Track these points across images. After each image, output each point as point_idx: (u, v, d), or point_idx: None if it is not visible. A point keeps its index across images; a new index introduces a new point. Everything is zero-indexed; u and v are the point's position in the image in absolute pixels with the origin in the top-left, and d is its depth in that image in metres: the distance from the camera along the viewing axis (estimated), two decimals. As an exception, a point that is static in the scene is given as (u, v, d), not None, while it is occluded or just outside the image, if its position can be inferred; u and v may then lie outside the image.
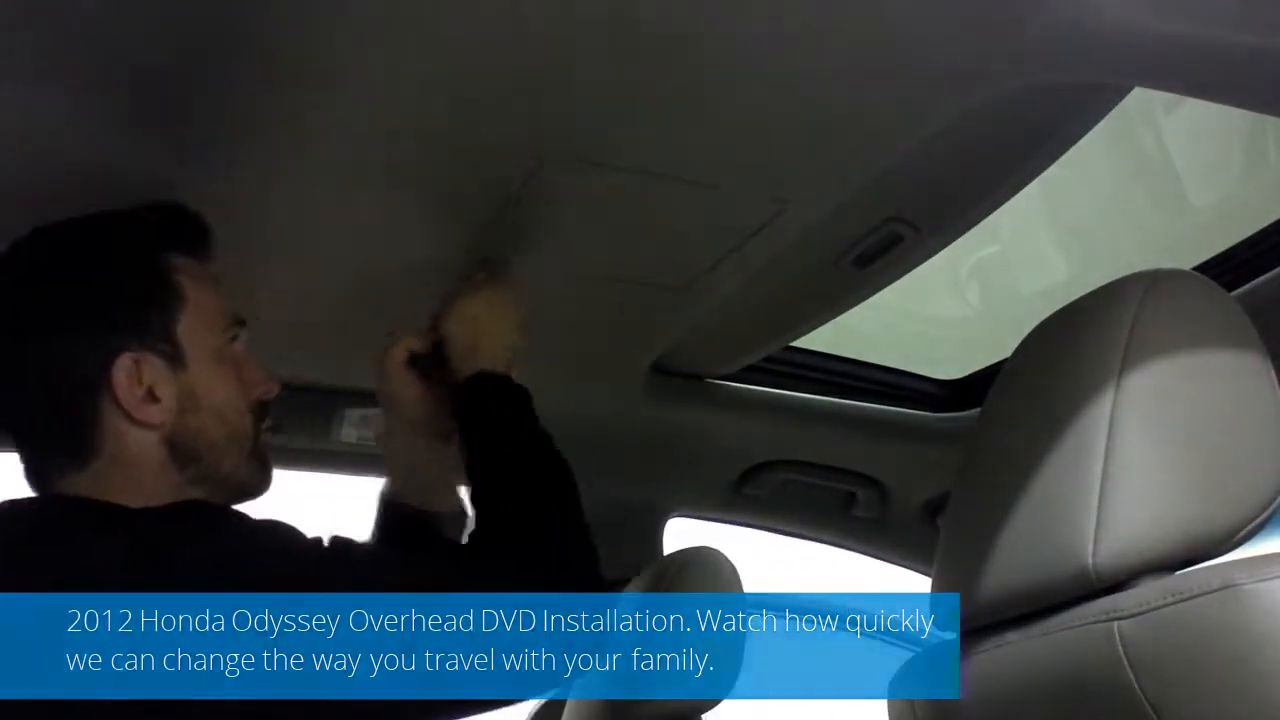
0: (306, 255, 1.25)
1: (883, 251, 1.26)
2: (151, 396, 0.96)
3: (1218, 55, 0.81)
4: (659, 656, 1.33)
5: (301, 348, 1.37)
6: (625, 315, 1.41)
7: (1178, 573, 0.74)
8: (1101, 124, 1.08)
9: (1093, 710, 0.76)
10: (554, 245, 1.23)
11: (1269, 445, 0.77)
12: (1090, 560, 0.76)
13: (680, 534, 1.87)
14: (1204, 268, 1.31)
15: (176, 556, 0.85)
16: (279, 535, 0.91)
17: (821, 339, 1.60)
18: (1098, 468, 0.77)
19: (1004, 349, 1.02)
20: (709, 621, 1.37)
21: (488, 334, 1.13)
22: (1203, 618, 0.69)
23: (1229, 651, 0.67)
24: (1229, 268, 1.28)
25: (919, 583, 1.92)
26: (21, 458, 0.99)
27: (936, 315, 1.82)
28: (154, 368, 0.96)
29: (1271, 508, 0.76)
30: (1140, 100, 1.08)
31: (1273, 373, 0.79)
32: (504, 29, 0.88)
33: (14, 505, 0.95)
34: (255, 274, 1.27)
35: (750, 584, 1.49)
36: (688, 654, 1.35)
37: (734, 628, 1.40)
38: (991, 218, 1.22)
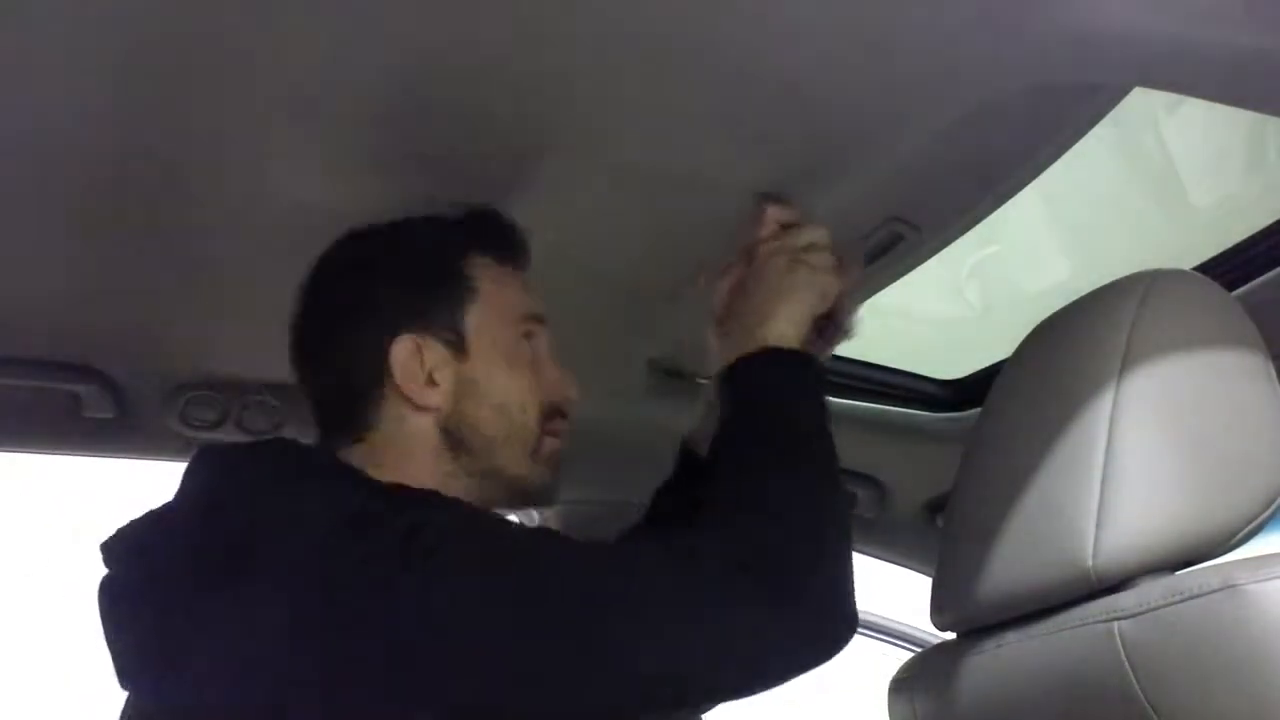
0: (313, 253, 1.25)
1: (883, 251, 1.26)
2: (431, 380, 0.98)
3: (1218, 55, 0.81)
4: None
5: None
6: (625, 315, 1.41)
7: (1178, 573, 0.75)
8: (1101, 124, 1.07)
9: (1093, 710, 0.76)
10: (553, 245, 1.23)
11: (1269, 445, 0.77)
12: (1090, 560, 0.76)
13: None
14: (1204, 268, 1.31)
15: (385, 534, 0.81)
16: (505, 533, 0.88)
17: (821, 339, 1.59)
18: (1098, 468, 0.77)
19: (1004, 349, 1.02)
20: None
21: (794, 299, 1.01)
22: (1203, 618, 0.69)
23: (1229, 651, 0.67)
24: (1229, 268, 1.28)
25: (919, 583, 1.92)
26: (319, 433, 1.03)
27: (936, 315, 1.82)
28: (435, 353, 0.98)
29: (1272, 508, 0.76)
30: (1140, 100, 1.07)
31: (1273, 373, 0.79)
32: (504, 29, 0.88)
33: (291, 446, 0.97)
34: (258, 270, 1.27)
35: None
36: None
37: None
38: (991, 218, 1.22)
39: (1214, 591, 0.68)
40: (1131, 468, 0.76)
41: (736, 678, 0.85)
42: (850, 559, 0.89)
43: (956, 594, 0.92)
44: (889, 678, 1.06)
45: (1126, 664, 0.72)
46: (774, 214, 1.07)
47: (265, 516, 0.84)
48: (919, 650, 1.16)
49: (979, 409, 1.02)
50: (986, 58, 0.90)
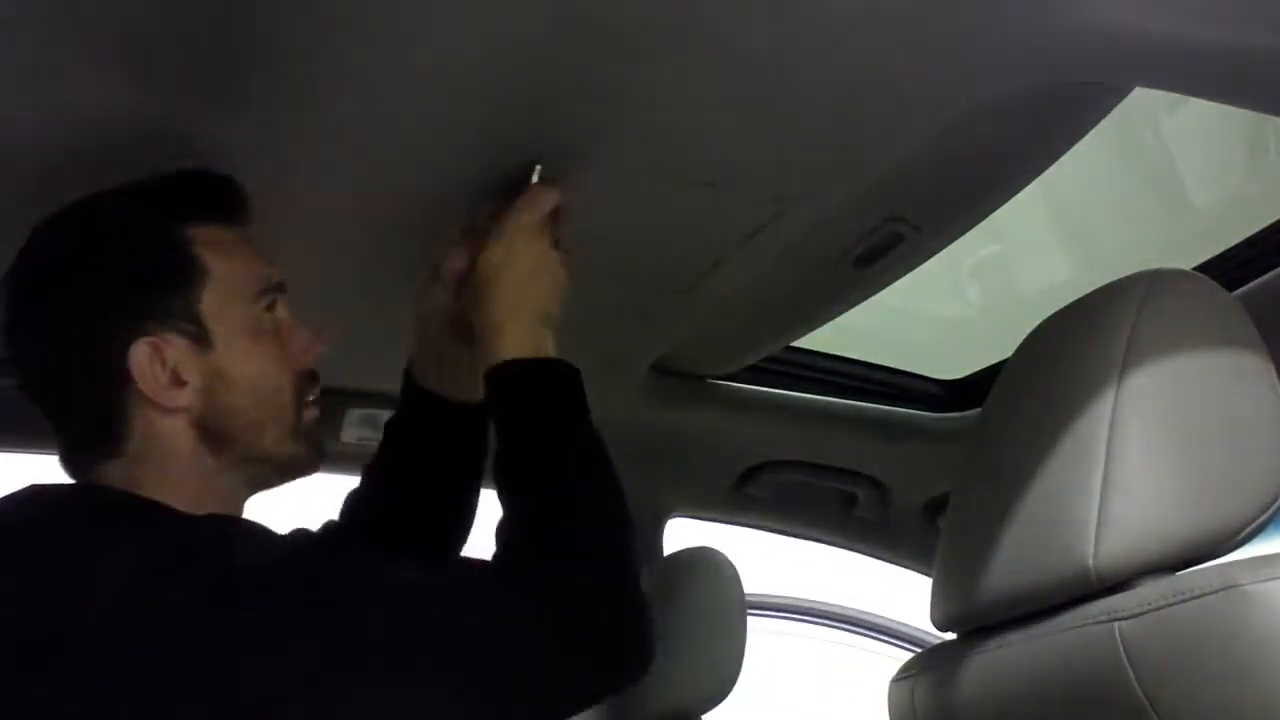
0: (307, 256, 1.25)
1: (883, 251, 1.26)
2: (176, 380, 0.91)
3: (1218, 55, 0.81)
4: (658, 657, 1.33)
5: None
6: (625, 315, 1.41)
7: (1178, 573, 0.74)
8: (1101, 124, 1.07)
9: (1093, 710, 0.76)
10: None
11: (1270, 445, 0.76)
12: (1091, 560, 0.76)
13: (681, 534, 1.87)
14: (1204, 268, 1.31)
15: (201, 570, 0.81)
16: (300, 555, 0.89)
17: (821, 339, 1.59)
18: (1098, 468, 0.77)
19: (1004, 349, 1.02)
20: (709, 622, 1.37)
21: (524, 300, 1.01)
22: (1203, 618, 0.69)
23: (1229, 652, 0.67)
24: (1229, 268, 1.28)
25: (919, 583, 1.92)
26: (57, 443, 0.95)
27: (936, 315, 1.82)
28: (176, 349, 0.92)
29: (1272, 508, 0.76)
30: (1140, 100, 1.08)
31: (1273, 373, 0.79)
32: (504, 28, 0.88)
33: (44, 491, 0.91)
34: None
35: (750, 584, 1.49)
36: (688, 654, 1.35)
37: (734, 628, 1.40)
38: (992, 217, 1.22)
39: (1214, 592, 0.68)
40: (1132, 468, 0.76)
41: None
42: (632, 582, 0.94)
43: (956, 594, 0.92)
44: (889, 678, 1.06)
45: (1126, 664, 0.72)
46: (549, 196, 1.04)
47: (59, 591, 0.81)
48: (919, 650, 1.16)
49: (979, 409, 1.02)
50: (986, 58, 0.90)
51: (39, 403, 0.95)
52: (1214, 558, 0.75)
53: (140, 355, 0.90)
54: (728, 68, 0.92)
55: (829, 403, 1.69)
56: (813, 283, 1.34)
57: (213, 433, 0.93)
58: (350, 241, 1.22)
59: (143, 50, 0.91)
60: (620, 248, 1.26)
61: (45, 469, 0.99)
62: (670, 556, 1.50)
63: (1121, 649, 0.72)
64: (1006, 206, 1.20)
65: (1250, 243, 1.30)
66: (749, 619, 1.44)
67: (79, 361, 0.92)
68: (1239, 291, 1.23)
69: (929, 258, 1.29)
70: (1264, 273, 1.24)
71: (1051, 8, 0.81)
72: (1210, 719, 0.69)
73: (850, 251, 1.27)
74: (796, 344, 1.58)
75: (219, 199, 0.98)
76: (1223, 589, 0.68)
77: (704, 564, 1.40)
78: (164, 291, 0.93)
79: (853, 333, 1.60)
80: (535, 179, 1.05)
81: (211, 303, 0.94)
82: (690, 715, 1.37)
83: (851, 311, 1.41)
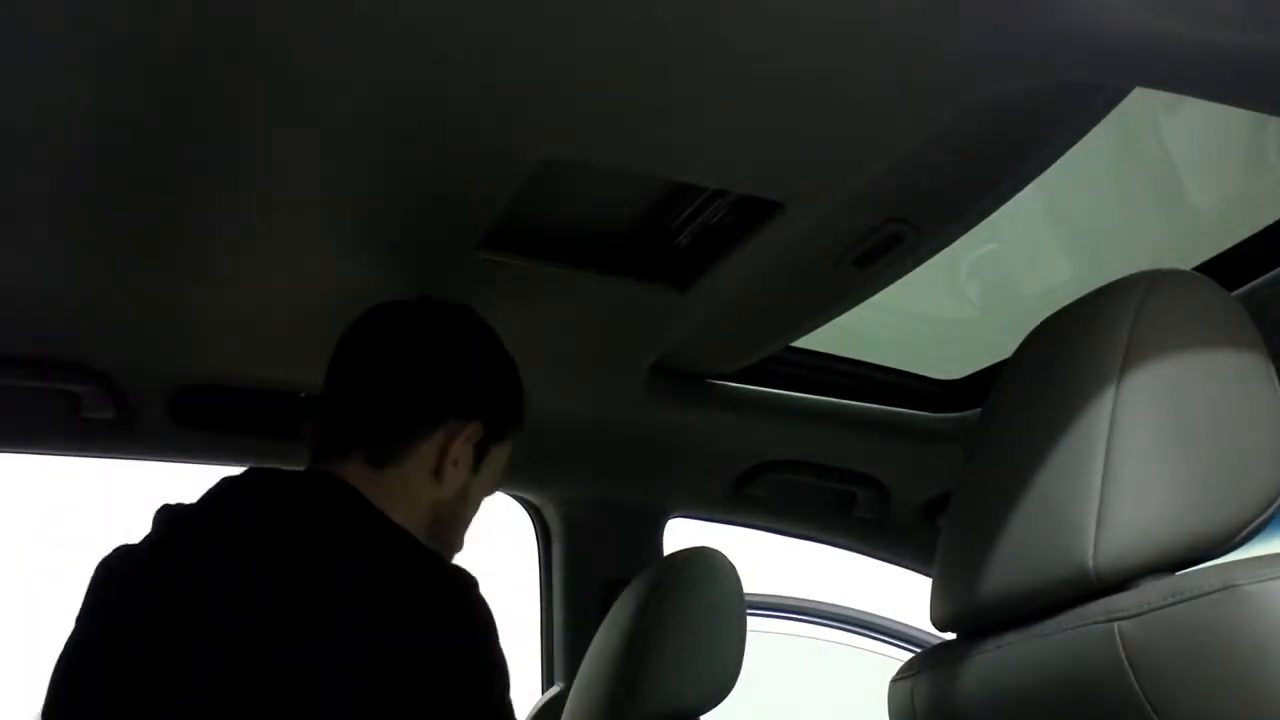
0: (309, 255, 1.25)
1: (883, 251, 1.26)
2: (454, 466, 1.13)
3: (1218, 55, 0.81)
4: (658, 657, 1.33)
5: (307, 349, 1.37)
6: (625, 315, 1.41)
7: (1178, 573, 0.74)
8: (1101, 124, 1.07)
9: (1093, 710, 0.76)
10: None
11: (1269, 445, 0.77)
12: (1091, 561, 0.76)
13: (681, 534, 1.88)
14: (1204, 268, 1.31)
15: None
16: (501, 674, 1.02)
17: (821, 339, 1.59)
18: (1098, 468, 0.77)
19: (1004, 349, 1.02)
20: (708, 622, 1.37)
21: None
22: (1203, 618, 0.69)
23: (1229, 652, 0.67)
24: (1229, 268, 1.28)
25: (919, 583, 1.92)
26: (326, 429, 1.13)
27: (936, 315, 1.82)
28: (467, 452, 1.15)
29: (1272, 508, 0.76)
30: (1140, 100, 1.08)
31: (1273, 373, 0.79)
32: (504, 28, 0.88)
33: (286, 478, 1.09)
34: (258, 272, 1.27)
35: (750, 584, 1.49)
36: (688, 654, 1.35)
37: (733, 628, 1.40)
38: (992, 217, 1.22)
39: (1214, 592, 0.68)
40: (1132, 468, 0.76)
41: None
42: None
43: (956, 594, 0.92)
44: (889, 678, 1.06)
45: (1126, 664, 0.72)
46: None
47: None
48: (919, 650, 1.16)
49: (979, 409, 1.02)
50: (987, 57, 0.90)
51: (357, 400, 1.14)
52: (1214, 558, 0.75)
53: (469, 428, 1.15)
54: (728, 68, 0.92)
55: (829, 403, 1.69)
56: (813, 283, 1.34)
57: (437, 522, 1.15)
58: (352, 245, 1.22)
59: (144, 52, 0.91)
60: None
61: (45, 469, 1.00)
62: (670, 556, 1.49)
63: (1121, 649, 0.72)
64: (1006, 206, 1.20)
65: (1250, 243, 1.30)
66: (749, 619, 1.43)
67: (427, 389, 1.15)
68: (1239, 291, 1.23)
69: (929, 258, 1.29)
70: (1264, 273, 1.24)
71: (1051, 8, 0.81)
72: (1210, 718, 0.69)
73: (850, 251, 1.27)
74: (796, 344, 1.58)
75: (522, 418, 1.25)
76: (1222, 589, 0.68)
77: (704, 564, 1.40)
78: (503, 415, 1.20)
79: (853, 333, 1.60)
80: None
81: (495, 455, 1.20)
82: (690, 715, 1.37)
83: (851, 311, 1.41)
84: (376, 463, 1.11)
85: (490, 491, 1.24)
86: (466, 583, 1.03)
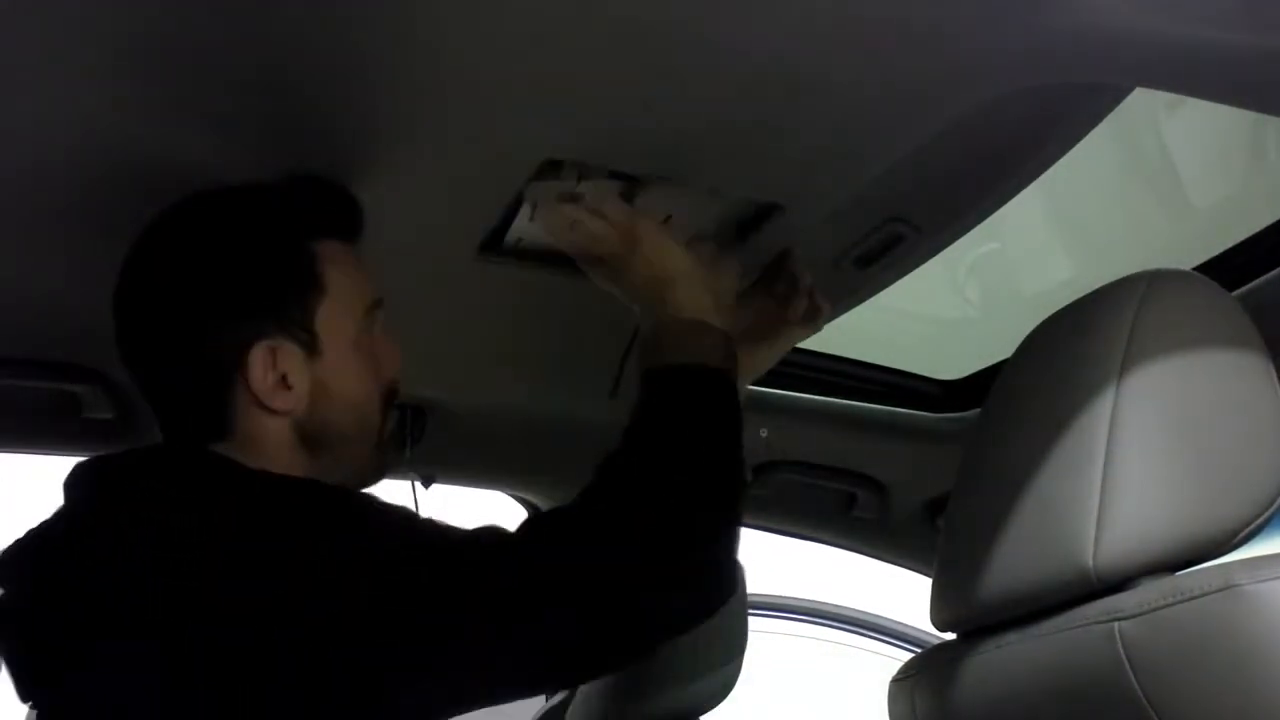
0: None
1: (883, 251, 1.26)
2: (284, 384, 0.96)
3: (1218, 55, 0.81)
4: (659, 657, 1.33)
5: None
6: (626, 316, 1.41)
7: (1178, 573, 0.75)
8: (1101, 124, 1.07)
9: (1093, 711, 0.76)
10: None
11: (1269, 445, 0.77)
12: (1091, 561, 0.76)
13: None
14: (1204, 268, 1.31)
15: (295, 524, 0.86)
16: (413, 528, 0.91)
17: (821, 339, 1.59)
18: (1098, 468, 0.77)
19: (1004, 349, 1.02)
20: (709, 622, 1.37)
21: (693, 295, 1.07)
22: (1203, 618, 0.69)
23: (1229, 652, 0.67)
24: (1229, 268, 1.28)
25: (919, 583, 1.92)
26: (160, 428, 1.01)
27: (936, 315, 1.82)
28: (289, 355, 0.96)
29: (1272, 508, 0.76)
30: (1140, 100, 1.08)
31: (1273, 373, 0.79)
32: (504, 28, 0.88)
33: (153, 453, 0.98)
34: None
35: (750, 584, 1.49)
36: (688, 654, 1.35)
37: (734, 628, 1.40)
38: (992, 218, 1.22)
39: (1214, 592, 0.68)
40: (1131, 468, 0.76)
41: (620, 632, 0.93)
42: (724, 527, 0.98)
43: (956, 594, 0.92)
44: (889, 678, 1.06)
45: (1126, 664, 0.72)
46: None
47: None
48: (919, 650, 1.16)
49: (979, 409, 1.02)
50: (986, 58, 0.90)
51: (146, 390, 1.00)
52: (1214, 558, 0.75)
53: (257, 357, 0.95)
54: (728, 68, 0.92)
55: (829, 403, 1.69)
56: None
57: (309, 438, 0.98)
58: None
59: (146, 57, 0.91)
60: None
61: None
62: (670, 556, 1.49)
63: (1121, 649, 0.72)
64: (1006, 206, 1.20)
65: (1250, 243, 1.30)
66: (749, 619, 1.44)
67: (193, 352, 0.96)
68: (1239, 291, 1.23)
69: (929, 258, 1.29)
70: (1264, 273, 1.24)
71: (1051, 8, 0.81)
72: (1210, 718, 0.69)
73: (850, 251, 1.27)
74: (797, 344, 1.57)
75: (341, 214, 1.03)
76: (1222, 589, 0.68)
77: (704, 564, 1.40)
78: (286, 301, 0.97)
79: (853, 333, 1.60)
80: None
81: (325, 316, 0.98)
82: (690, 715, 1.37)
83: (851, 311, 1.41)
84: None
85: (369, 333, 1.03)
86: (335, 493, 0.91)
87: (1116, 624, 0.73)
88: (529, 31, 0.88)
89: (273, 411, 0.96)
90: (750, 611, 1.43)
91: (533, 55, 0.91)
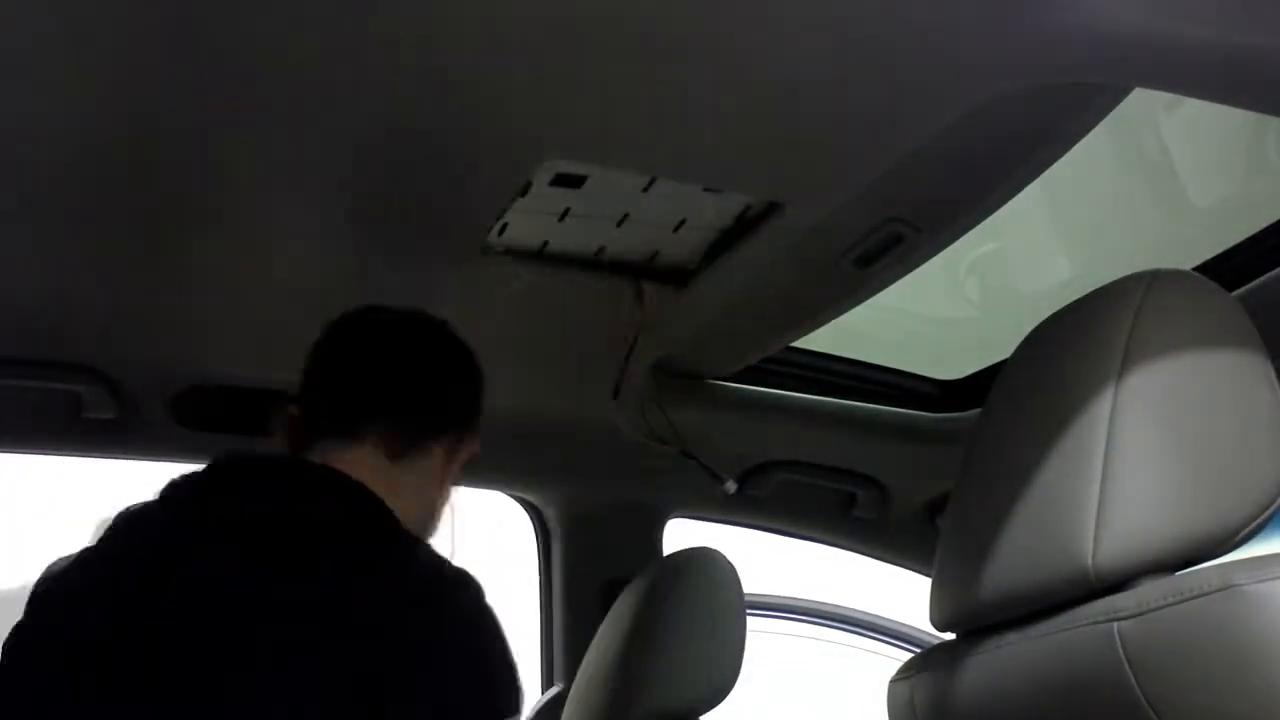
0: (309, 257, 1.25)
1: (883, 251, 1.26)
2: (455, 471, 1.20)
3: (1218, 55, 0.81)
4: (658, 657, 1.33)
5: (307, 349, 1.37)
6: (625, 315, 1.41)
7: (1178, 573, 0.74)
8: (1101, 124, 1.07)
9: (1093, 710, 0.76)
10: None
11: (1269, 445, 0.76)
12: (1090, 561, 0.76)
13: (681, 534, 1.87)
14: (1204, 268, 1.31)
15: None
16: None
17: (821, 339, 1.59)
18: (1098, 468, 0.77)
19: (1004, 349, 1.02)
20: (708, 622, 1.37)
21: None
22: (1203, 618, 0.69)
23: (1229, 652, 0.67)
24: (1229, 268, 1.28)
25: (919, 583, 1.92)
26: (341, 410, 1.13)
27: (936, 315, 1.82)
28: (460, 459, 1.20)
29: (1272, 508, 0.76)
30: (1140, 100, 1.08)
31: (1273, 373, 0.79)
32: (504, 29, 0.88)
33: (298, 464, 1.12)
34: (258, 272, 1.27)
35: (750, 584, 1.49)
36: (687, 654, 1.35)
37: (733, 628, 1.40)
38: (992, 218, 1.22)
39: (1214, 592, 0.68)
40: (1131, 468, 0.76)
41: None
42: None
43: (956, 594, 0.92)
44: (888, 678, 1.06)
45: (1126, 664, 0.72)
46: None
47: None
48: (919, 650, 1.16)
49: (979, 409, 1.02)
50: (986, 58, 0.90)
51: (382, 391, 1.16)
52: (1213, 558, 0.75)
53: (474, 443, 1.21)
54: (728, 69, 0.92)
55: (829, 403, 1.69)
56: (813, 283, 1.35)
57: (424, 515, 1.18)
58: (353, 247, 1.22)
59: (145, 54, 0.91)
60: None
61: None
62: (670, 556, 1.49)
63: (1121, 649, 0.72)
64: (1006, 206, 1.20)
65: (1250, 243, 1.30)
66: (749, 619, 1.43)
67: (454, 397, 1.20)
68: (1239, 291, 1.23)
69: (929, 258, 1.29)
70: (1264, 273, 1.24)
71: (1051, 8, 0.81)
72: (1210, 718, 0.69)
73: (850, 251, 1.27)
74: (796, 344, 1.58)
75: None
76: (1222, 589, 0.68)
77: (704, 564, 1.40)
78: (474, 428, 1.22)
79: (852, 333, 1.60)
80: None
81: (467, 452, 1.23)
82: (689, 715, 1.37)
83: (851, 311, 1.41)
84: (393, 455, 1.12)
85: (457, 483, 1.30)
86: (477, 588, 1.05)
87: (1116, 624, 0.73)
88: (529, 31, 0.88)
89: (437, 484, 1.19)
90: (750, 611, 1.43)
91: (531, 55, 0.91)
